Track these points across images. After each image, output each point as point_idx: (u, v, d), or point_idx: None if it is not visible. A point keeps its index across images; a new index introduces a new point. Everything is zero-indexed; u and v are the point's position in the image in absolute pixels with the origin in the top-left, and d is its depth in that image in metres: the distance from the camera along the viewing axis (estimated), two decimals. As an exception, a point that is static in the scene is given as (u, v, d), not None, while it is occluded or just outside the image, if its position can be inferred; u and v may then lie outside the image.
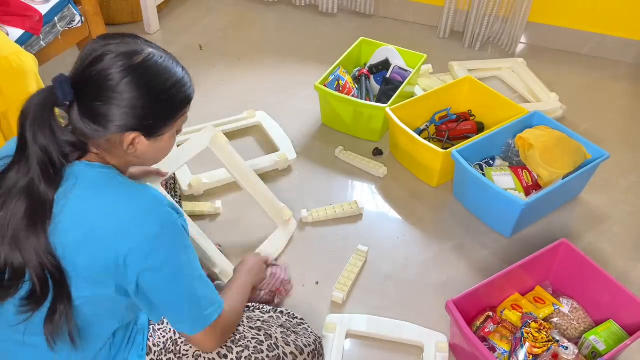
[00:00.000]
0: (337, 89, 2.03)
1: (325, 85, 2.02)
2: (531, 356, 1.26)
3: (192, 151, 1.57)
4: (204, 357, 1.08)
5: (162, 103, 0.94)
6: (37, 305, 0.90)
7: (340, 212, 1.75)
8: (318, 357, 1.24)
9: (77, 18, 2.06)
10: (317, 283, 1.56)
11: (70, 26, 2.04)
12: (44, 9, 1.90)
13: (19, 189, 0.88)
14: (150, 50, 0.93)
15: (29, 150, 0.88)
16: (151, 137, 0.96)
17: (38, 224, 0.87)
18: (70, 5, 2.01)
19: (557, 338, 1.29)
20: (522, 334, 1.29)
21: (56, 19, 1.96)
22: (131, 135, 0.93)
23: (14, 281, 0.90)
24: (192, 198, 1.79)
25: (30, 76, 1.56)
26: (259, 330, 1.17)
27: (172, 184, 1.50)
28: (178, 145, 1.93)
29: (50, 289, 0.89)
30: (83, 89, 0.89)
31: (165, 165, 1.40)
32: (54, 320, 0.90)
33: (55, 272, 0.88)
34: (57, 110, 0.90)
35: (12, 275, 0.90)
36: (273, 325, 1.21)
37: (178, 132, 1.03)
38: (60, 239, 0.88)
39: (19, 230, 0.87)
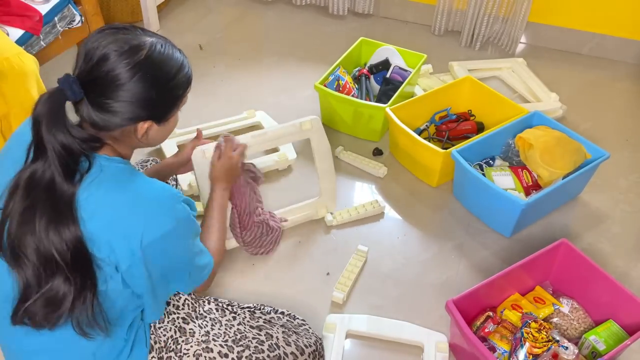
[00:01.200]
0: (337, 89, 2.03)
1: (325, 85, 2.02)
2: (531, 356, 1.26)
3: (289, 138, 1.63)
4: (205, 357, 1.08)
5: (170, 90, 0.99)
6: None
7: (363, 212, 1.75)
8: (318, 358, 1.24)
9: (77, 18, 2.06)
10: (327, 274, 1.59)
11: (70, 26, 2.04)
12: (44, 9, 1.90)
13: (42, 188, 0.90)
14: (150, 40, 0.95)
15: (47, 150, 0.89)
16: (161, 122, 1.01)
17: (67, 218, 0.89)
18: (70, 5, 2.01)
19: (557, 338, 1.29)
20: (522, 334, 1.29)
21: (56, 19, 1.96)
22: (145, 125, 0.97)
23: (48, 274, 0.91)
24: (193, 198, 1.79)
25: (31, 78, 1.56)
26: (260, 330, 1.17)
27: (173, 185, 1.50)
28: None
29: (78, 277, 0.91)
30: (92, 87, 0.91)
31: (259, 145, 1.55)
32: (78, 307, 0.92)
33: (84, 260, 0.91)
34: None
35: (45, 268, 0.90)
36: (274, 325, 1.21)
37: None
38: (81, 227, 0.90)
39: (48, 225, 0.89)
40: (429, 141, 1.87)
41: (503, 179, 1.74)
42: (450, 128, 1.98)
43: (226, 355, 1.09)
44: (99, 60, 0.91)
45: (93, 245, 0.91)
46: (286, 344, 1.16)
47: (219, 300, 1.25)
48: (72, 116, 0.93)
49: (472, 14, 2.55)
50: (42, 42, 1.92)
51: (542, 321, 1.33)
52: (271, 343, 1.14)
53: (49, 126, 0.89)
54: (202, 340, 1.10)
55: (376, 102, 2.06)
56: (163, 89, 0.96)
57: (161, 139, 1.06)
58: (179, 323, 1.12)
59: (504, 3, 2.51)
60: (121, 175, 0.96)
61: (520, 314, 1.39)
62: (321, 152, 1.66)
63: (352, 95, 2.05)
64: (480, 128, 1.99)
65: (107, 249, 0.92)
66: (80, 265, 0.91)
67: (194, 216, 1.04)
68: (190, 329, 1.11)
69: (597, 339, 1.34)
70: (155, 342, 1.08)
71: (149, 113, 0.96)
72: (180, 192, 1.02)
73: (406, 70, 2.14)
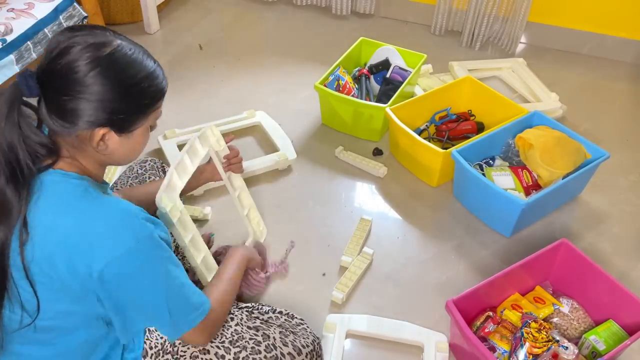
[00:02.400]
0: (337, 89, 2.03)
1: (325, 85, 2.02)
2: (531, 356, 1.26)
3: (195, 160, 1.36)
4: (202, 359, 1.07)
5: (133, 96, 0.91)
6: None
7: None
8: (316, 358, 1.23)
9: (83, 16, 2.06)
10: (324, 274, 1.58)
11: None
12: (48, 8, 1.90)
13: None
14: (119, 41, 0.90)
15: None
16: (122, 133, 0.93)
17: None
18: (75, 4, 2.01)
19: (557, 338, 1.29)
20: (522, 334, 1.29)
21: (61, 18, 1.96)
22: (101, 131, 0.90)
23: None
24: (192, 198, 1.79)
25: None
26: (257, 331, 1.16)
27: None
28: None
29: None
30: (49, 83, 0.86)
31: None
32: None
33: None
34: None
35: None
36: (271, 325, 1.21)
37: (152, 127, 1.00)
38: (33, 250, 0.87)
39: None
40: (429, 141, 1.87)
41: (503, 179, 1.74)
42: (450, 128, 1.98)
43: (223, 357, 1.08)
44: (59, 52, 0.86)
45: (50, 266, 0.86)
46: (283, 344, 1.16)
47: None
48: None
49: (472, 14, 2.55)
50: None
51: (542, 321, 1.33)
52: (268, 343, 1.14)
53: None
54: None
55: (376, 102, 2.06)
56: (124, 93, 0.89)
57: (125, 154, 0.96)
58: None
59: (504, 3, 2.51)
60: (73, 194, 0.89)
61: (520, 314, 1.39)
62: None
63: (352, 95, 2.05)
64: (480, 128, 1.99)
65: (63, 270, 0.86)
66: None
67: (163, 238, 0.94)
68: None
69: (597, 339, 1.34)
70: (151, 348, 1.07)
71: (106, 118, 0.88)
72: (143, 211, 0.93)
73: (406, 70, 2.14)
